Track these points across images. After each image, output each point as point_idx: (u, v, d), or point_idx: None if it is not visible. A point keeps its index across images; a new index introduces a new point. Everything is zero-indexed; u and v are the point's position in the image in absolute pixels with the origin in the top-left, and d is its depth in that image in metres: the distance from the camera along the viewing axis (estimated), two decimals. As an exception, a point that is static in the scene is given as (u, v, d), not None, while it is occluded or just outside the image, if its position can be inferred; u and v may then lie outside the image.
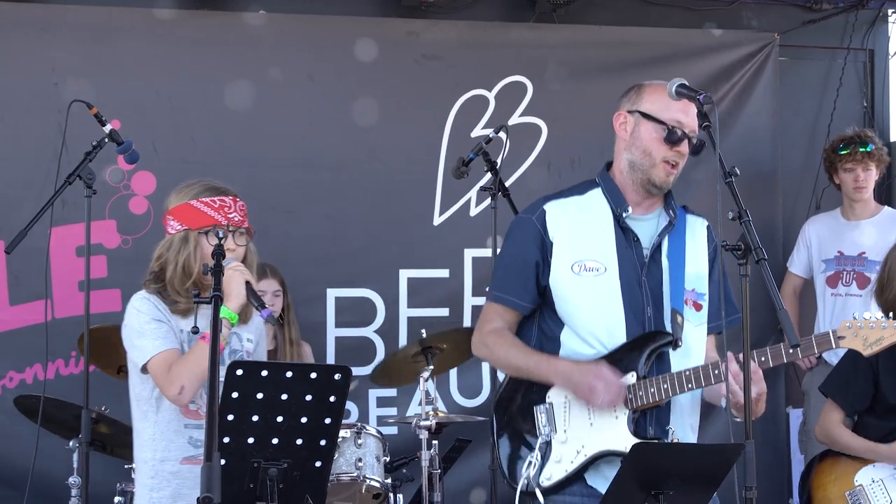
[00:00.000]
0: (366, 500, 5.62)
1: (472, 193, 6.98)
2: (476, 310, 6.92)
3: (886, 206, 7.20)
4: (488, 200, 6.06)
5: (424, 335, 5.97)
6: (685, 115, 4.15)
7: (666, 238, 4.23)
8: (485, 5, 7.41)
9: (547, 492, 4.14)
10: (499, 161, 6.04)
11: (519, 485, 4.16)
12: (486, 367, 6.82)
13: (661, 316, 4.16)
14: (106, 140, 5.33)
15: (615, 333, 4.13)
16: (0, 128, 6.52)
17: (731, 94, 7.43)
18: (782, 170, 7.60)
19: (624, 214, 4.20)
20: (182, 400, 4.22)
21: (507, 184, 6.21)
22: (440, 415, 5.91)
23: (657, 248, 4.21)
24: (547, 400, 4.18)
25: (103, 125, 5.33)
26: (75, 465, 5.56)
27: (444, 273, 7.06)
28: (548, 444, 4.16)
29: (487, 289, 4.44)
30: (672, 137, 4.15)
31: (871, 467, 5.41)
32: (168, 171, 6.49)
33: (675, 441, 4.06)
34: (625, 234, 4.20)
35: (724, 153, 3.91)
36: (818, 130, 7.82)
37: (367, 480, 5.52)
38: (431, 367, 5.89)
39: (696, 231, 4.31)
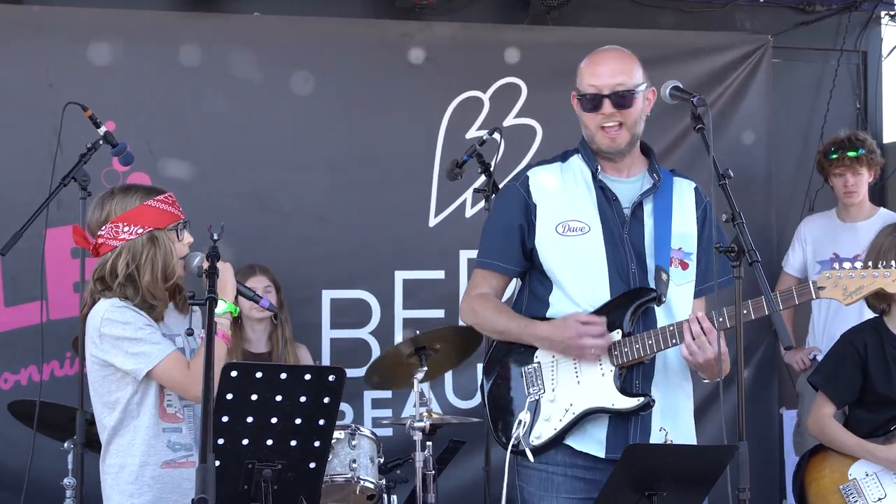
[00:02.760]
0: (360, 501, 5.62)
1: (468, 194, 6.99)
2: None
3: (882, 208, 7.18)
4: (483, 202, 6.07)
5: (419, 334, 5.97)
6: (595, 77, 4.26)
7: (651, 199, 4.28)
8: (479, 7, 7.42)
9: (536, 451, 4.19)
10: (493, 163, 6.05)
11: (509, 444, 4.20)
12: (480, 369, 6.81)
13: (645, 273, 4.21)
14: (101, 142, 5.33)
15: (600, 291, 4.19)
16: (-5, 129, 6.53)
17: (724, 95, 7.44)
18: (776, 171, 7.62)
19: (597, 173, 4.26)
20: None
21: (502, 185, 6.21)
22: (434, 416, 5.93)
23: (638, 207, 4.26)
24: (535, 359, 4.25)
25: (98, 127, 5.33)
26: (70, 467, 5.55)
27: (439, 274, 7.07)
28: (537, 404, 4.21)
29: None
30: (587, 105, 4.25)
31: (865, 461, 5.42)
32: (162, 172, 6.51)
33: (669, 442, 4.08)
34: (604, 194, 4.27)
35: (717, 155, 3.95)
36: (811, 132, 7.83)
37: (362, 481, 5.52)
38: (426, 368, 5.90)
39: (684, 192, 4.37)
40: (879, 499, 5.29)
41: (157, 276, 4.25)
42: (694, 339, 4.03)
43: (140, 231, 4.25)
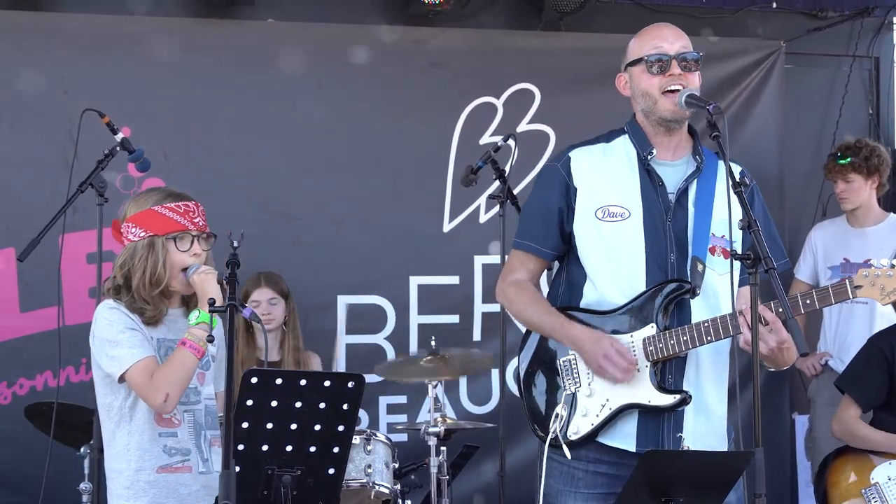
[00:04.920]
0: (374, 505, 5.65)
1: (482, 200, 7.01)
2: (486, 317, 6.97)
3: (892, 213, 7.18)
4: (497, 208, 6.09)
5: (434, 343, 5.99)
6: (662, 40, 4.18)
7: (694, 183, 4.17)
8: (492, 13, 7.44)
9: (573, 445, 4.13)
10: (507, 169, 6.07)
11: (548, 438, 4.14)
12: (495, 375, 6.84)
13: (686, 262, 4.10)
14: (118, 149, 5.35)
15: (636, 280, 4.10)
16: (11, 136, 6.54)
17: (737, 101, 7.46)
18: (788, 177, 7.62)
19: (649, 157, 4.16)
20: (167, 407, 4.14)
21: (516, 191, 6.24)
22: (449, 421, 5.94)
23: (683, 193, 4.16)
24: (570, 351, 4.17)
25: (115, 133, 5.36)
26: (86, 472, 5.57)
27: (454, 280, 7.09)
28: (573, 398, 4.15)
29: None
30: (654, 66, 4.16)
31: (888, 465, 5.43)
32: (178, 178, 6.51)
33: (686, 448, 4.08)
34: (650, 178, 4.16)
35: (730, 161, 3.94)
36: (824, 138, 7.84)
37: (376, 486, 5.52)
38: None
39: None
40: (901, 503, 5.32)
41: (145, 282, 4.22)
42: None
43: (142, 234, 4.25)
